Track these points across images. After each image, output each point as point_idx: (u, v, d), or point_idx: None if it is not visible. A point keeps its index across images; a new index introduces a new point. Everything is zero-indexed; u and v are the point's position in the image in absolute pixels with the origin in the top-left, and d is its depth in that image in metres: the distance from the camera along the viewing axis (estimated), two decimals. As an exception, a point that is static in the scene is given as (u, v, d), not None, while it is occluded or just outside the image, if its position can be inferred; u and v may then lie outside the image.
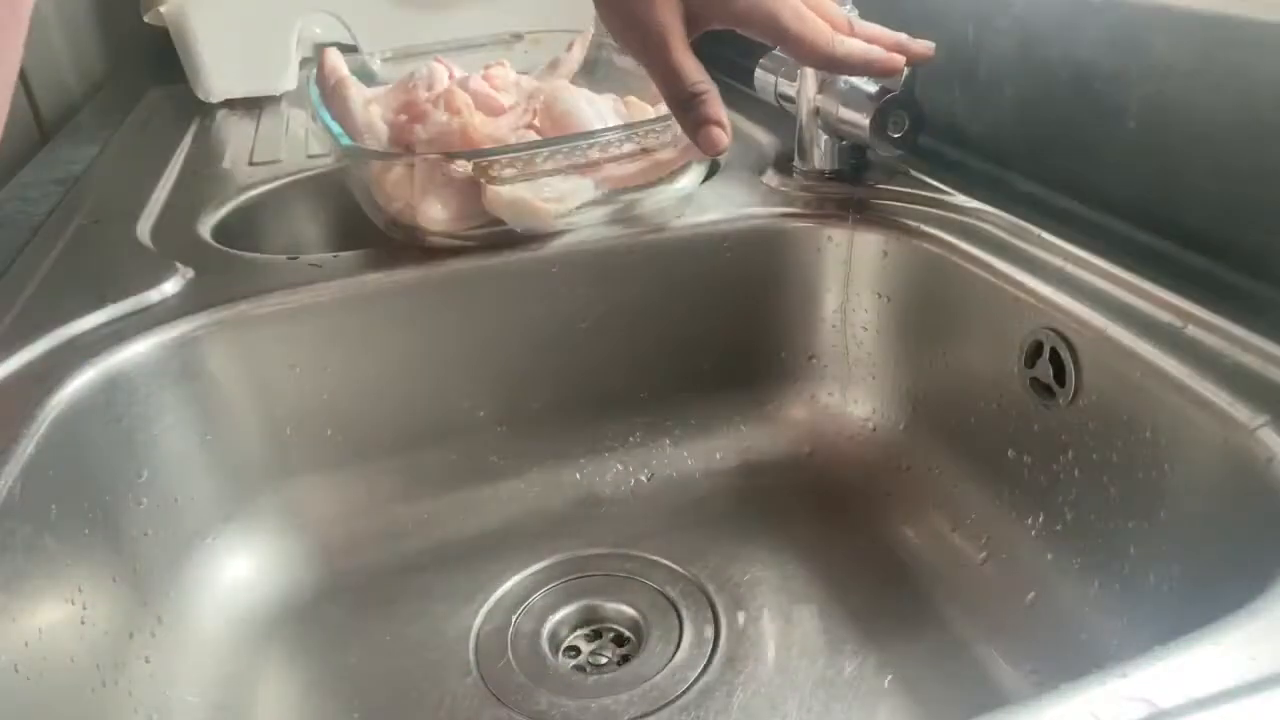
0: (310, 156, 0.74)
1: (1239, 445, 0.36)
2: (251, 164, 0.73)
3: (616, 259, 0.57)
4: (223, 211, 0.65)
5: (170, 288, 0.52)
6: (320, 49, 0.71)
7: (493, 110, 0.61)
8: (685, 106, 0.47)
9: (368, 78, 0.69)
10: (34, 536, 0.40)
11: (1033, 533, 0.48)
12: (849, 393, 0.61)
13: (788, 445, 0.61)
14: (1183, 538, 0.40)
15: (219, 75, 0.89)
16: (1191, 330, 0.41)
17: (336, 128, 0.57)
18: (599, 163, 0.54)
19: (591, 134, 0.55)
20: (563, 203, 0.54)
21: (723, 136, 0.47)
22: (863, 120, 0.55)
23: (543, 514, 0.58)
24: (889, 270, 0.57)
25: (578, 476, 0.60)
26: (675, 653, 0.48)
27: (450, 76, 0.65)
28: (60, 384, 0.44)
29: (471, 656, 0.49)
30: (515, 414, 0.58)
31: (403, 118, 0.60)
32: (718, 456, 0.61)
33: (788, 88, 0.63)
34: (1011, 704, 0.25)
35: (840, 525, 0.56)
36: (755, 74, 0.67)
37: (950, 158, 0.62)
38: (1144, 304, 0.44)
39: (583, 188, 0.55)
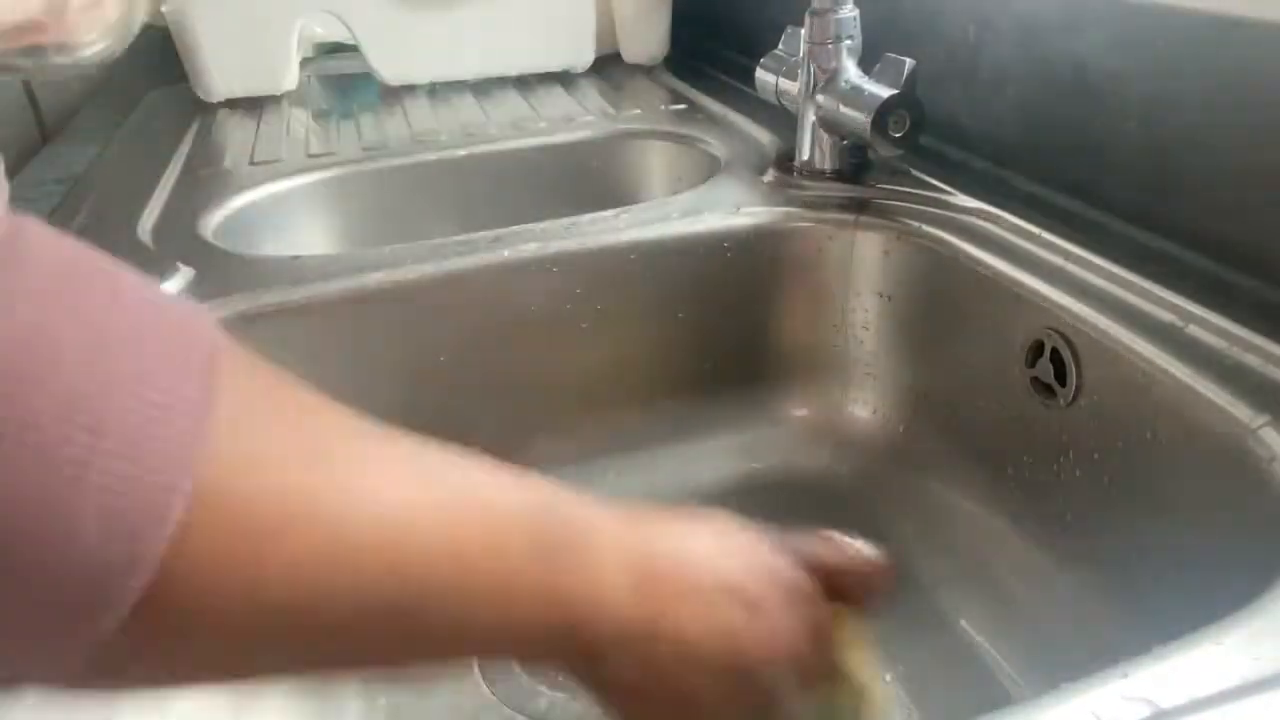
0: (311, 156, 0.74)
1: (1240, 445, 0.36)
2: (252, 164, 0.73)
3: (617, 259, 0.57)
4: (223, 211, 0.65)
5: (171, 287, 0.52)
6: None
7: None
8: None
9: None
10: (35, 536, 0.40)
11: (1033, 532, 0.48)
12: (850, 392, 0.61)
13: (788, 445, 0.61)
14: (1183, 537, 0.39)
15: (219, 75, 0.89)
16: (1192, 330, 0.41)
17: None
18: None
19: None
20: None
21: None
22: (864, 120, 0.55)
23: (543, 514, 0.58)
24: (890, 270, 0.57)
25: (578, 476, 0.60)
26: (676, 652, 0.48)
27: None
28: (61, 384, 0.44)
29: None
30: (515, 414, 0.58)
31: None
32: (718, 456, 0.61)
33: (789, 87, 0.63)
34: (1011, 704, 0.25)
35: (840, 525, 0.56)
36: (756, 74, 0.67)
37: (951, 158, 0.62)
38: (1145, 303, 0.44)
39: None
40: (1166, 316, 0.42)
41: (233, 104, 0.90)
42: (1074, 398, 0.45)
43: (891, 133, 0.55)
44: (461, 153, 0.74)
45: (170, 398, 0.19)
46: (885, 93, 0.54)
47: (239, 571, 0.20)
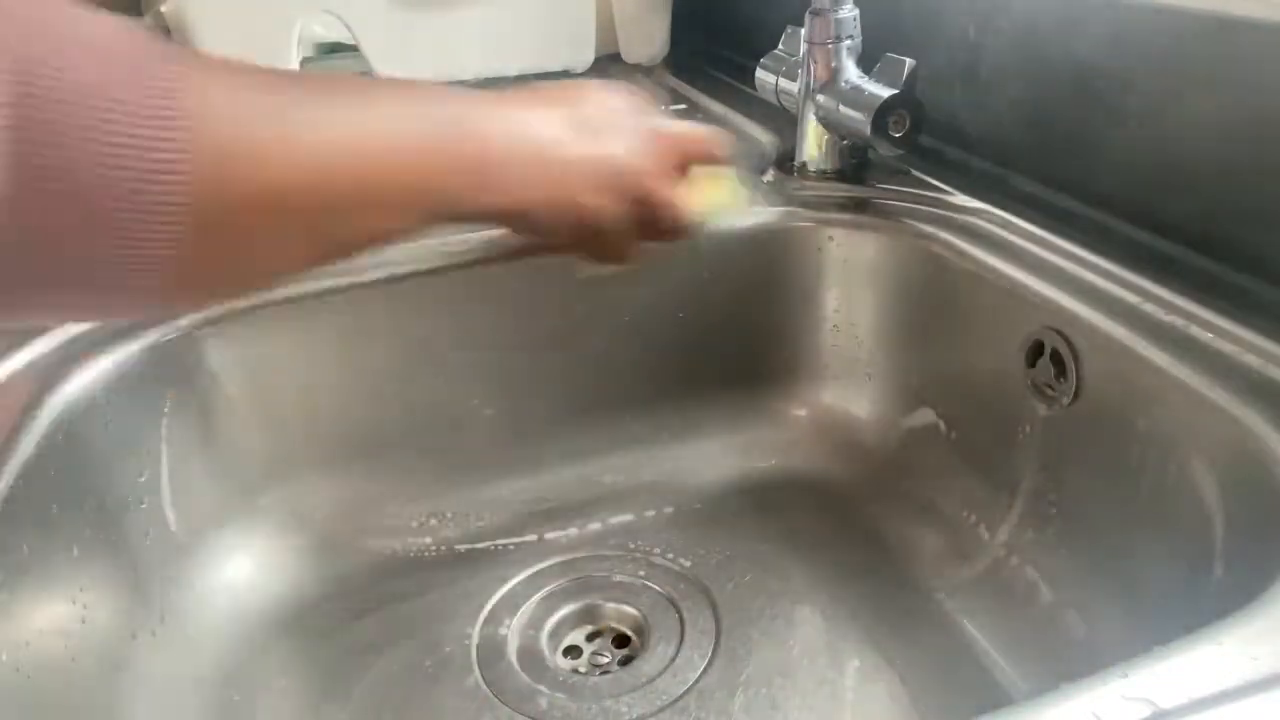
0: (311, 156, 0.73)
1: (1240, 445, 0.36)
2: (252, 164, 0.73)
3: (617, 259, 0.57)
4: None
5: (171, 287, 0.52)
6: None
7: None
8: None
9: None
10: (34, 536, 0.40)
11: (1033, 533, 0.48)
12: (849, 392, 0.61)
13: (788, 445, 0.61)
14: (1183, 538, 0.39)
15: (220, 75, 0.88)
16: (1192, 330, 0.41)
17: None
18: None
19: None
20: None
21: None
22: (864, 120, 0.55)
23: (545, 514, 0.58)
24: (890, 270, 0.57)
25: (580, 476, 0.60)
26: (677, 653, 0.48)
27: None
28: (60, 383, 0.44)
29: (473, 656, 0.49)
30: (516, 414, 0.58)
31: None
32: (718, 456, 0.61)
33: (789, 87, 0.63)
34: (1011, 704, 0.25)
35: (841, 525, 0.56)
36: (756, 74, 0.67)
37: (951, 157, 0.62)
38: (1145, 303, 0.44)
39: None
40: (1166, 316, 0.42)
41: (233, 104, 0.90)
42: (1074, 398, 0.45)
43: (891, 133, 0.55)
44: (461, 153, 0.74)
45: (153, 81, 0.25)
46: (885, 93, 0.54)
47: (244, 161, 0.27)
